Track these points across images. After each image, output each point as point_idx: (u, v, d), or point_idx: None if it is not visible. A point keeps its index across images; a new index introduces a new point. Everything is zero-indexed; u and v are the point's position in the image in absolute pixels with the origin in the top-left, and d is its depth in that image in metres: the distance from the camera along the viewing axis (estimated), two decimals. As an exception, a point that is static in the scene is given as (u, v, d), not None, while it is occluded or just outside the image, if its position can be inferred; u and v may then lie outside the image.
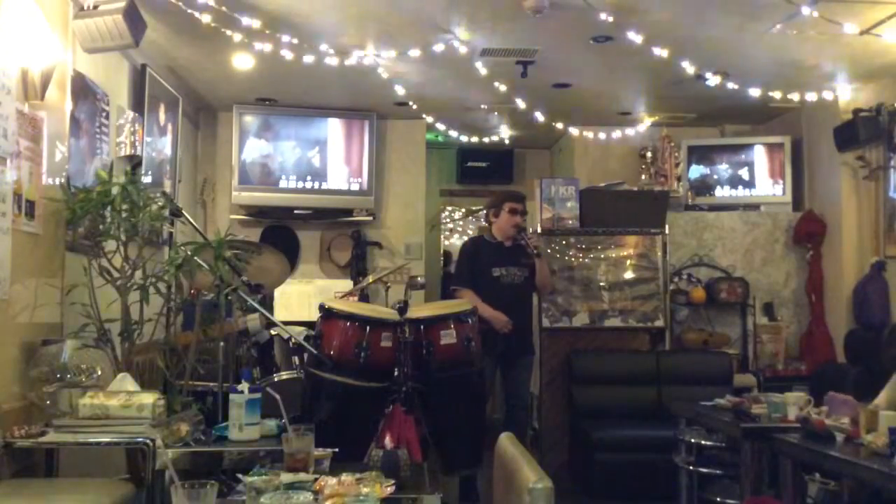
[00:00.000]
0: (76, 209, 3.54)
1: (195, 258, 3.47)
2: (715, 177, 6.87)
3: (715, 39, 4.85)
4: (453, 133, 7.34)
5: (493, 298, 4.85)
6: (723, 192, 6.83)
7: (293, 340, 3.91)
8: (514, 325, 4.88)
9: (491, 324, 4.74)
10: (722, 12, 4.43)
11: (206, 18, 4.19)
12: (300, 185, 6.74)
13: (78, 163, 3.92)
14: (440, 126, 7.02)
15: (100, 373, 3.27)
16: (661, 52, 4.78)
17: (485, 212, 5.35)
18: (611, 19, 4.27)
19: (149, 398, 2.94)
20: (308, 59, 4.93)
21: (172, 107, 5.65)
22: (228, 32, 4.40)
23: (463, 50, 4.91)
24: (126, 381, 3.14)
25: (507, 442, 2.21)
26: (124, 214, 3.55)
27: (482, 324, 4.11)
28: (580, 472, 5.42)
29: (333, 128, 6.82)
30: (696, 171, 6.90)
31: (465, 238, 9.08)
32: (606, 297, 5.95)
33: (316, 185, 6.76)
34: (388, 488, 2.06)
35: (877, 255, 5.65)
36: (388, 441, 2.63)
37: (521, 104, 5.96)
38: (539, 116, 6.28)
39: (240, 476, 2.16)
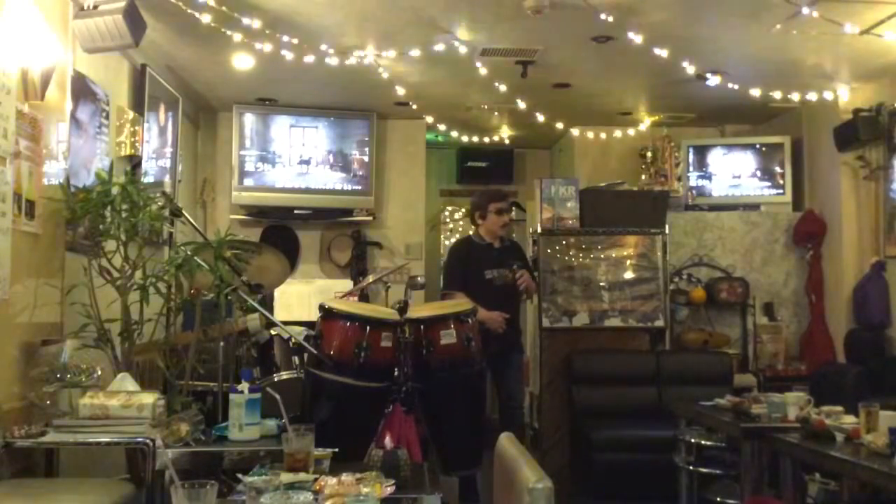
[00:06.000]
0: (76, 209, 3.54)
1: (195, 258, 3.47)
2: (715, 176, 6.88)
3: (715, 39, 4.85)
4: (453, 133, 7.34)
5: (486, 300, 4.83)
6: (723, 192, 6.83)
7: (293, 340, 3.91)
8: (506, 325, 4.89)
9: (485, 325, 4.74)
10: (722, 12, 4.43)
11: (206, 18, 4.19)
12: (300, 185, 6.74)
13: (78, 163, 3.92)
14: (440, 126, 7.02)
15: (100, 373, 3.27)
16: (661, 52, 4.78)
17: (470, 214, 5.33)
18: (611, 19, 4.27)
19: (149, 398, 2.94)
20: (308, 59, 4.93)
21: (172, 107, 5.65)
22: (228, 32, 4.40)
23: (463, 50, 4.90)
24: (126, 381, 3.14)
25: (507, 442, 2.21)
26: (124, 214, 3.55)
27: (477, 324, 4.10)
28: (580, 472, 5.42)
29: (333, 128, 6.82)
30: (697, 170, 6.89)
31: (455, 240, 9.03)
32: (606, 297, 5.95)
33: (316, 185, 6.76)
34: (388, 488, 2.06)
35: (877, 255, 5.64)
36: (388, 441, 2.62)
37: (521, 104, 5.96)
38: (539, 116, 6.28)
39: (240, 476, 2.16)
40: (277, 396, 2.60)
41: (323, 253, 7.07)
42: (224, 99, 6.46)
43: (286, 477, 2.12)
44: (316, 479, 2.10)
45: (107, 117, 4.38)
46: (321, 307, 3.60)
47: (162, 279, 3.56)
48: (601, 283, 5.95)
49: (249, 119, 6.67)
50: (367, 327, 3.43)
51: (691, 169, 6.88)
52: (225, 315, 3.68)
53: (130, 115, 4.76)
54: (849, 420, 3.29)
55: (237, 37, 4.49)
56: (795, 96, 5.79)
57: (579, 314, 5.91)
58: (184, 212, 4.10)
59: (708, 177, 6.89)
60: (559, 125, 6.58)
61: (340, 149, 6.83)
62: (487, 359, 4.73)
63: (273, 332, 4.15)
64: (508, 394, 5.06)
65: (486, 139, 7.71)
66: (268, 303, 5.53)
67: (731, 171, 6.83)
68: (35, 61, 3.33)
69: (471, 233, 5.30)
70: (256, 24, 4.32)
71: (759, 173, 6.75)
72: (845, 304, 5.90)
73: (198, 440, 2.86)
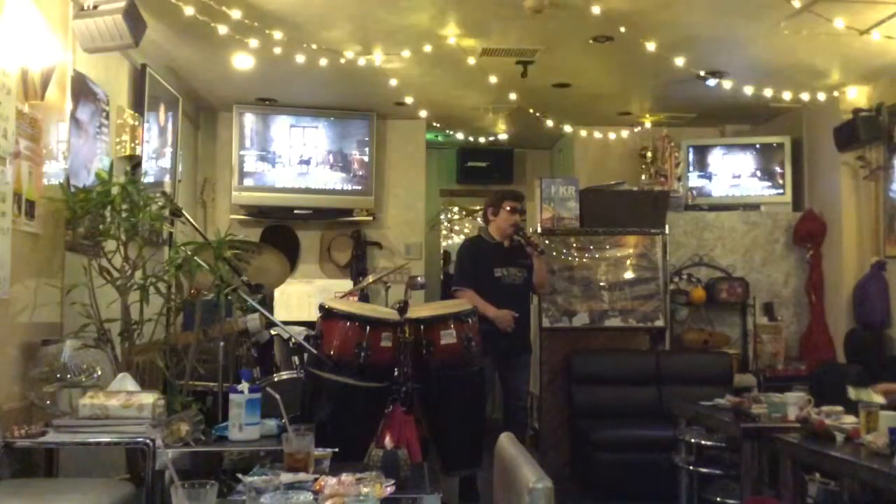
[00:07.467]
0: (76, 209, 3.54)
1: (195, 258, 3.47)
2: (715, 176, 6.88)
3: (715, 39, 4.85)
4: (453, 133, 7.34)
5: (495, 298, 4.85)
6: (723, 192, 6.83)
7: (293, 340, 3.91)
8: (515, 325, 4.89)
9: (494, 323, 4.74)
10: (722, 12, 4.43)
11: (206, 18, 4.19)
12: (300, 185, 6.74)
13: (78, 163, 3.92)
14: (440, 126, 7.02)
15: (100, 373, 3.27)
16: (661, 52, 4.78)
17: (483, 211, 5.34)
18: (611, 19, 4.27)
19: (149, 398, 2.94)
20: (308, 59, 4.93)
21: (172, 107, 5.65)
22: (229, 32, 4.39)
23: (463, 50, 4.90)
24: (126, 381, 3.14)
25: (507, 442, 2.21)
26: (124, 214, 3.55)
27: (483, 323, 4.11)
28: (580, 472, 5.42)
29: (333, 128, 6.82)
30: (697, 170, 6.89)
31: (465, 238, 9.05)
32: (606, 297, 5.95)
33: (316, 185, 6.77)
34: (388, 488, 2.06)
35: (877, 255, 5.65)
36: (388, 441, 2.62)
37: (521, 104, 5.96)
38: (539, 116, 6.28)
39: (240, 476, 2.16)
40: (277, 396, 2.59)
41: (323, 253, 7.06)
42: (224, 99, 6.47)
43: (286, 477, 2.12)
44: (316, 479, 2.10)
45: (107, 117, 4.38)
46: (321, 307, 3.59)
47: (162, 279, 3.56)
48: (601, 283, 5.96)
49: (249, 119, 6.67)
50: (367, 327, 3.43)
51: (691, 169, 6.88)
52: (225, 315, 3.68)
53: (130, 115, 4.76)
54: (849, 420, 3.29)
55: (237, 37, 4.49)
56: (795, 96, 5.78)
57: (579, 314, 5.91)
58: (184, 212, 4.10)
59: (708, 177, 6.89)
60: (559, 125, 6.57)
61: (340, 149, 6.83)
62: (495, 357, 4.76)
63: (273, 332, 4.15)
64: (515, 393, 5.06)
65: (486, 139, 7.71)
66: (268, 303, 5.53)
67: (731, 171, 6.82)
68: (35, 61, 3.33)
69: (481, 232, 5.29)
70: (256, 24, 4.32)
71: (759, 173, 6.75)
72: (845, 304, 5.90)
73: (198, 440, 2.85)
